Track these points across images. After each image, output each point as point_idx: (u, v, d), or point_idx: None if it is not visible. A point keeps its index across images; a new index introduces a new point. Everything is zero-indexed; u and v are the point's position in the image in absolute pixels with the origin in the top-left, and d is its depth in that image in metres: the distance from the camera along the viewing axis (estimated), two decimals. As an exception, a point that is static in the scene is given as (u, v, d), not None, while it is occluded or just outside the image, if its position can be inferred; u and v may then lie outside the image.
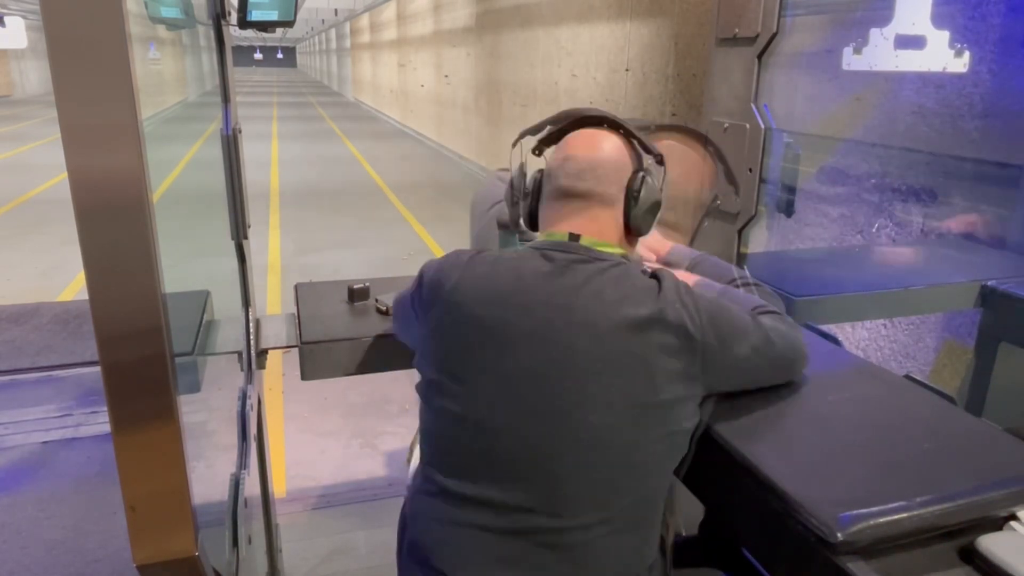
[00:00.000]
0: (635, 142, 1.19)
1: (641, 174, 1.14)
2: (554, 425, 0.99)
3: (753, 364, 1.11)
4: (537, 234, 1.20)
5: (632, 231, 1.16)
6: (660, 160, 1.19)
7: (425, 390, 1.11)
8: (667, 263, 1.43)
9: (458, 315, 1.05)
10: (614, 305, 1.00)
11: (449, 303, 1.06)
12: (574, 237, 1.10)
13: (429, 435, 1.11)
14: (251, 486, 1.41)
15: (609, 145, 1.16)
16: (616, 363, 0.99)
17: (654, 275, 1.06)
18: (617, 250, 1.12)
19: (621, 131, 1.18)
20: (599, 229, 1.13)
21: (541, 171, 1.21)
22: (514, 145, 1.24)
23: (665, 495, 1.12)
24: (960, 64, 1.64)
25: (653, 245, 1.46)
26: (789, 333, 1.17)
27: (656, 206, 1.16)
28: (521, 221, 1.24)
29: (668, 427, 1.03)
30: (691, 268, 1.38)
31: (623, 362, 0.99)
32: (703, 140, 1.23)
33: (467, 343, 1.04)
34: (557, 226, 1.14)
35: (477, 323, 1.03)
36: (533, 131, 1.24)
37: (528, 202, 1.20)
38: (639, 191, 1.13)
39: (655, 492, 1.07)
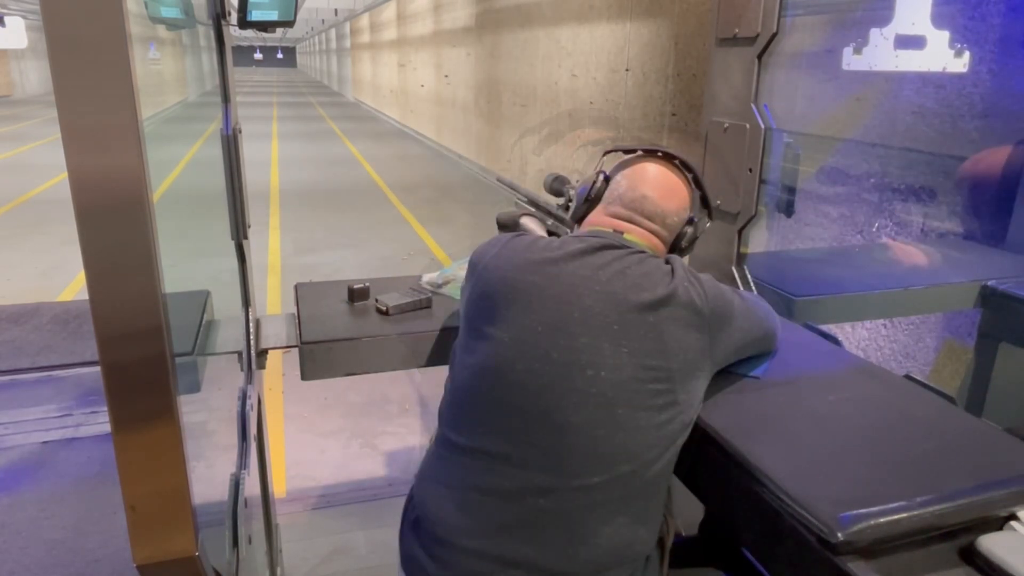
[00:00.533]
0: (699, 194, 1.34)
1: (692, 229, 1.31)
2: (566, 377, 1.06)
3: (747, 335, 1.23)
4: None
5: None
6: (711, 214, 1.37)
7: (455, 356, 1.21)
8: None
9: (491, 278, 1.17)
10: (635, 283, 1.11)
11: (487, 269, 1.18)
12: (617, 232, 1.25)
13: (451, 391, 1.19)
14: (251, 486, 1.41)
15: (680, 198, 1.30)
16: (631, 329, 1.07)
17: (667, 261, 1.18)
18: (649, 249, 1.24)
19: (691, 177, 1.33)
20: (641, 235, 1.26)
21: (605, 178, 1.33)
22: (603, 153, 1.41)
23: (666, 484, 1.14)
24: (960, 64, 1.64)
25: None
26: (763, 303, 1.35)
27: (693, 246, 1.33)
28: (569, 216, 1.40)
29: (675, 397, 1.08)
30: None
31: (638, 330, 1.08)
32: (685, 167, 1.34)
33: (495, 300, 1.14)
34: (606, 224, 1.28)
35: (507, 283, 1.14)
36: (625, 150, 1.36)
37: (588, 207, 1.33)
38: (685, 243, 1.31)
39: (656, 469, 1.09)
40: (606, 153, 1.42)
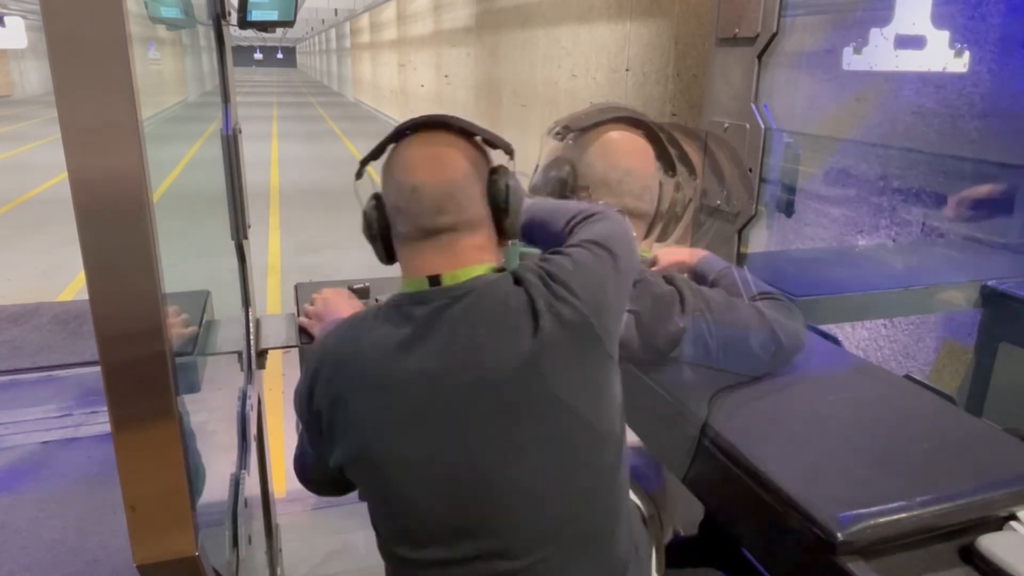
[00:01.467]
0: (477, 139, 1.03)
1: (501, 179, 1.01)
2: (489, 486, 0.94)
3: (620, 295, 1.03)
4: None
5: (507, 236, 1.05)
6: (509, 150, 1.06)
7: (349, 479, 1.07)
8: (696, 274, 1.41)
9: (349, 408, 0.97)
10: (494, 347, 0.92)
11: (336, 398, 0.97)
12: (434, 281, 0.97)
13: (373, 514, 1.07)
14: (251, 486, 1.41)
15: (458, 160, 0.99)
16: (519, 410, 0.93)
17: (516, 280, 0.96)
18: (484, 267, 0.99)
19: (458, 131, 1.02)
20: (467, 257, 0.99)
21: (378, 199, 1.04)
22: (358, 177, 1.11)
23: (625, 499, 1.07)
24: (960, 64, 1.64)
25: (682, 255, 1.43)
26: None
27: (523, 202, 1.05)
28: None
29: (596, 435, 0.97)
30: (715, 282, 1.36)
31: (527, 406, 0.93)
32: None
33: (370, 437, 0.97)
34: (419, 271, 1.00)
35: (370, 415, 0.95)
36: (374, 156, 1.08)
37: (380, 242, 1.05)
38: (506, 200, 1.00)
39: (609, 506, 1.02)
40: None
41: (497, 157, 1.07)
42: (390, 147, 1.04)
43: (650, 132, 1.17)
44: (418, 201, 0.97)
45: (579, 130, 1.18)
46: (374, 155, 1.06)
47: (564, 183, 1.18)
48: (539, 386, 0.92)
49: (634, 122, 1.18)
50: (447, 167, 0.98)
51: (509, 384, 0.91)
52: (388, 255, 1.06)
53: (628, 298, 1.05)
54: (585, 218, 1.08)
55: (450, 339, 0.92)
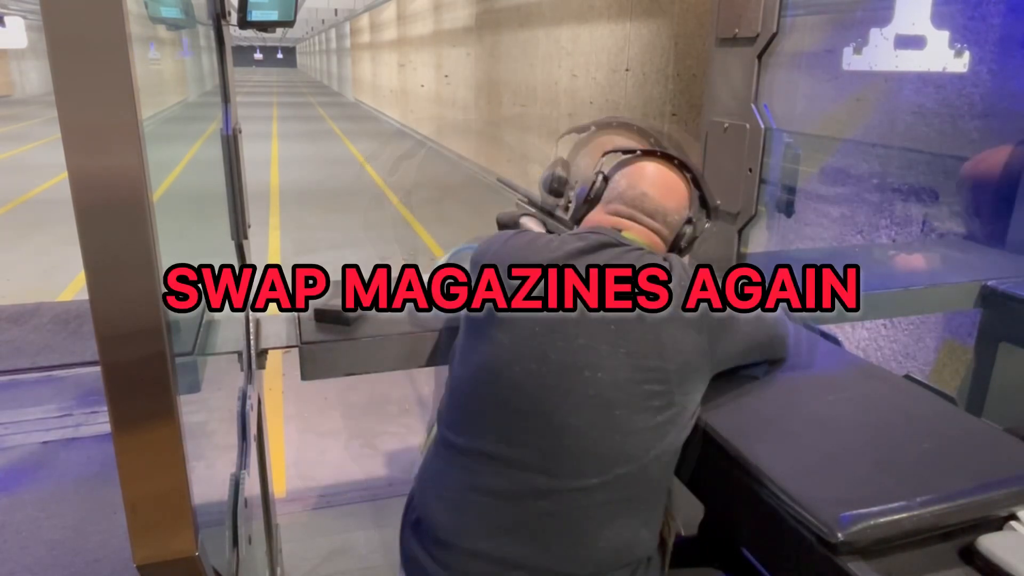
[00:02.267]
0: (700, 193, 1.33)
1: (692, 228, 1.30)
2: (565, 378, 1.05)
3: (752, 340, 1.22)
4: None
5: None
6: (710, 213, 1.36)
7: (456, 351, 1.21)
8: None
9: (492, 276, 1.16)
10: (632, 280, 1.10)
11: (487, 267, 1.18)
12: (616, 229, 1.23)
13: (451, 393, 1.18)
14: (251, 486, 1.41)
15: (680, 196, 1.30)
16: (628, 330, 1.07)
17: (665, 259, 1.17)
18: (648, 248, 1.22)
19: (690, 177, 1.33)
20: (639, 232, 1.26)
21: (604, 178, 1.33)
22: (604, 154, 1.37)
23: (667, 486, 1.13)
24: (960, 64, 1.64)
25: None
26: (778, 314, 1.33)
27: (692, 246, 1.33)
28: (569, 216, 1.40)
29: (672, 398, 1.07)
30: None
31: (634, 330, 1.07)
32: (684, 167, 1.35)
33: (496, 298, 1.13)
34: (606, 223, 1.27)
35: (509, 281, 1.13)
36: (625, 152, 1.35)
37: (587, 207, 1.33)
38: (684, 243, 1.31)
39: (656, 471, 1.08)
40: (605, 153, 1.42)
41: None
42: (639, 152, 1.34)
43: (687, 176, 1.33)
44: (641, 203, 1.27)
45: (624, 152, 1.35)
46: (625, 151, 1.35)
47: (592, 183, 1.33)
48: (651, 323, 1.08)
49: (677, 163, 1.33)
50: (671, 197, 1.29)
51: (630, 317, 1.07)
52: (582, 215, 1.34)
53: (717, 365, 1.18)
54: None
55: (606, 261, 1.13)
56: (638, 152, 1.34)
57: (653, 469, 1.07)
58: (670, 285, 1.10)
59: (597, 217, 1.31)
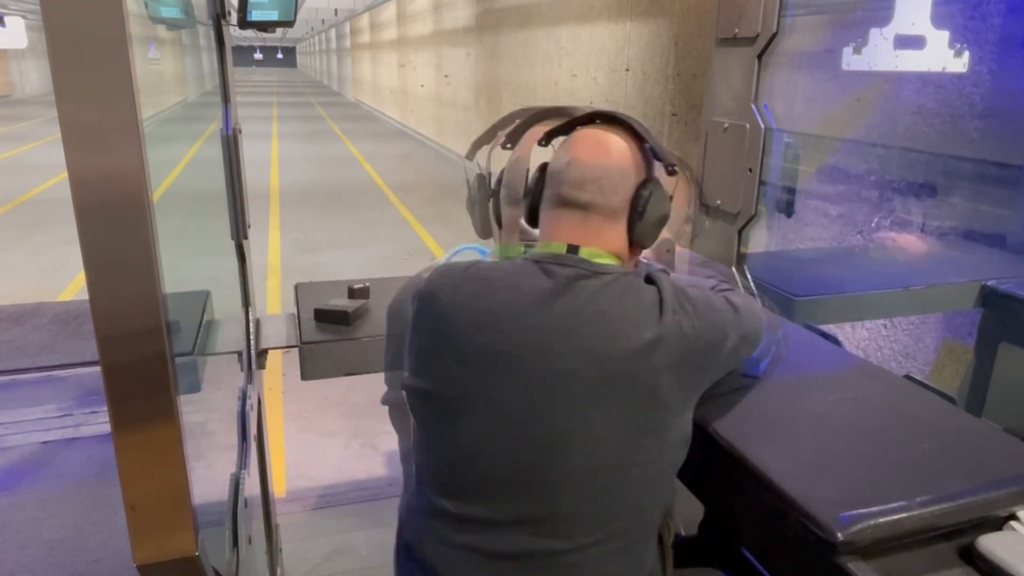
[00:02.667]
0: (647, 147, 1.10)
1: (648, 187, 1.07)
2: (552, 453, 0.96)
3: (736, 351, 1.11)
4: (535, 243, 1.14)
5: (635, 244, 1.10)
6: (672, 169, 1.12)
7: (418, 405, 1.06)
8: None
9: (453, 336, 1.00)
10: (618, 328, 0.97)
11: (445, 321, 1.01)
12: (572, 249, 1.04)
13: (423, 453, 1.06)
14: (251, 486, 1.41)
15: (616, 152, 1.07)
16: (618, 388, 0.96)
17: (651, 280, 1.03)
18: (615, 263, 1.06)
19: (632, 133, 1.10)
20: (600, 241, 1.06)
21: (544, 167, 1.13)
22: (542, 144, 1.20)
23: (665, 511, 1.09)
24: (960, 64, 1.64)
25: None
26: (751, 304, 1.19)
27: (663, 220, 1.10)
28: (522, 220, 1.20)
29: (669, 442, 1.01)
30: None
31: (626, 387, 0.96)
32: (616, 122, 1.13)
33: (463, 367, 0.99)
34: (555, 236, 1.07)
35: (473, 347, 0.98)
36: (563, 132, 1.16)
37: (528, 200, 1.15)
38: (645, 205, 1.06)
39: (654, 510, 1.04)
40: (538, 142, 1.23)
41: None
42: (578, 128, 1.13)
43: (628, 129, 1.11)
44: (567, 173, 1.06)
45: (550, 133, 1.19)
46: (563, 131, 1.16)
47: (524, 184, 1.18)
48: (646, 375, 0.96)
49: (609, 119, 1.12)
50: (604, 155, 1.06)
51: (622, 363, 0.95)
52: (532, 216, 1.15)
53: (730, 366, 1.10)
54: (724, 290, 1.19)
55: (582, 306, 0.98)
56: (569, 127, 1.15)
57: (652, 511, 1.03)
58: (662, 325, 0.97)
59: (547, 222, 1.11)
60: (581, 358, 0.95)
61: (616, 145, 1.08)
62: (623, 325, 0.96)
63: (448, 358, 1.00)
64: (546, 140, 1.20)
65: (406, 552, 1.09)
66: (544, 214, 1.11)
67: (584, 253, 1.04)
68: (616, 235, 1.07)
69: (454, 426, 1.00)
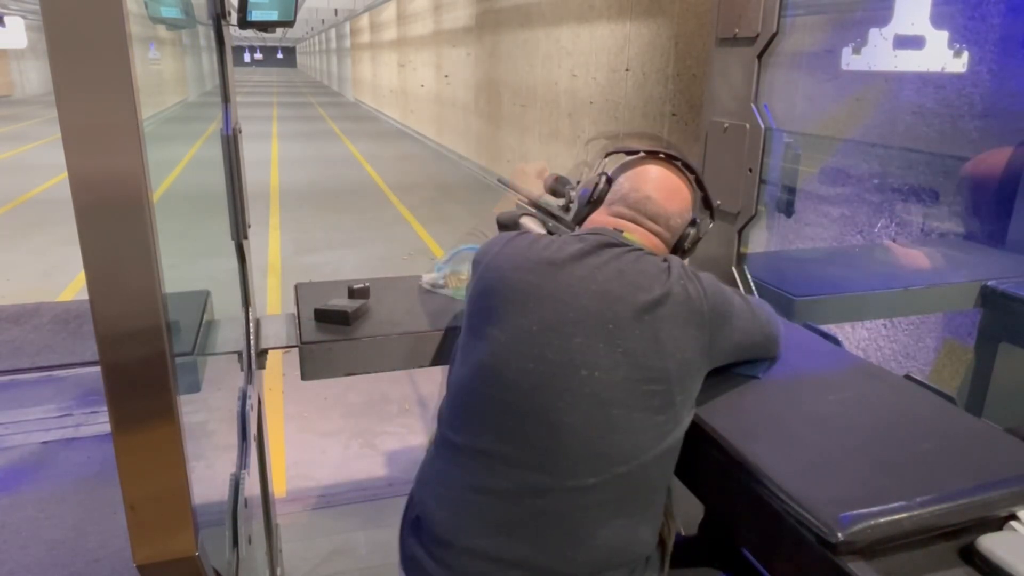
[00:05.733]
0: (701, 195, 1.34)
1: (695, 227, 1.30)
2: (561, 377, 1.05)
3: (748, 337, 1.22)
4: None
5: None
6: (712, 215, 1.37)
7: (457, 351, 1.21)
8: None
9: (492, 277, 1.17)
10: (631, 282, 1.10)
11: (487, 268, 1.19)
12: (618, 230, 1.24)
13: (450, 392, 1.18)
14: (251, 486, 1.41)
15: (682, 199, 1.30)
16: (627, 330, 1.07)
17: (664, 259, 1.17)
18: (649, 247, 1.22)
19: (693, 179, 1.33)
20: (640, 234, 1.26)
21: (608, 180, 1.33)
22: (605, 155, 1.39)
23: (666, 485, 1.13)
24: (959, 64, 1.64)
25: None
26: (766, 307, 1.33)
27: (691, 251, 1.33)
28: (571, 217, 1.40)
29: (672, 398, 1.07)
30: None
31: (634, 330, 1.07)
32: (687, 168, 1.35)
33: (495, 300, 1.14)
34: (608, 224, 1.27)
35: (506, 283, 1.14)
36: (628, 152, 1.36)
37: (590, 208, 1.33)
38: (687, 244, 1.30)
39: (655, 471, 1.08)
40: (608, 154, 1.42)
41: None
42: (641, 154, 1.34)
43: (691, 177, 1.33)
44: (644, 206, 1.28)
45: (628, 153, 1.37)
46: (628, 152, 1.36)
47: (595, 185, 1.34)
48: (650, 324, 1.07)
49: (680, 164, 1.34)
50: (674, 199, 1.29)
51: (631, 310, 1.07)
52: (584, 217, 1.34)
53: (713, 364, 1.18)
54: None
55: (605, 263, 1.13)
56: (641, 153, 1.34)
57: (652, 469, 1.07)
58: (669, 284, 1.10)
59: (599, 218, 1.31)
60: (596, 300, 1.09)
61: (683, 193, 1.31)
62: (637, 279, 1.11)
63: (491, 290, 1.16)
64: (611, 152, 1.39)
65: (413, 524, 1.15)
66: (602, 215, 1.31)
67: (626, 236, 1.22)
68: (657, 241, 1.29)
69: (482, 341, 1.12)
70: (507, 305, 1.13)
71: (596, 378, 1.05)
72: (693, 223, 1.31)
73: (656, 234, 1.28)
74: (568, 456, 1.04)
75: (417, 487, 1.19)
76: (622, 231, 1.24)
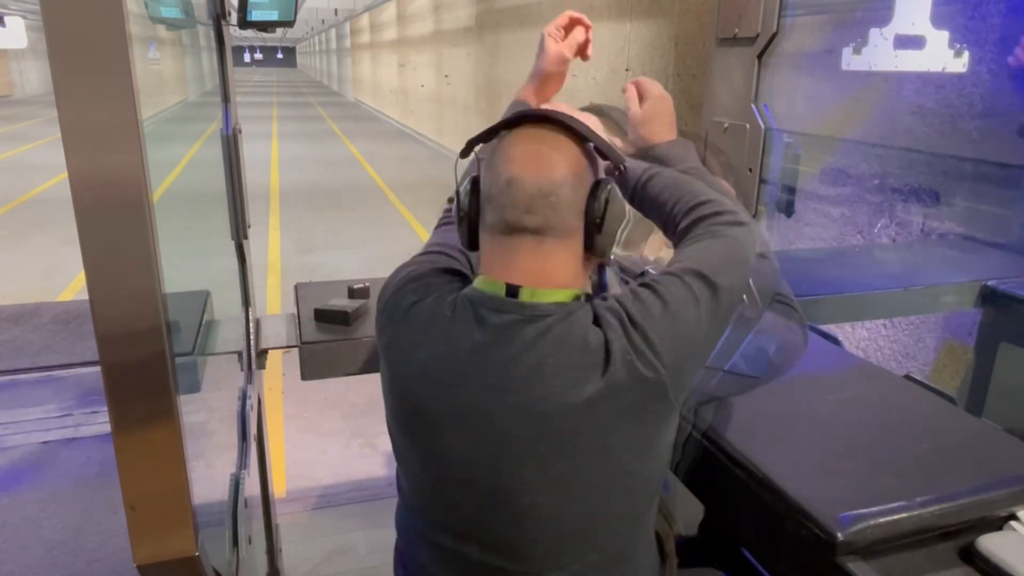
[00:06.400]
0: (590, 146, 0.94)
1: (604, 193, 0.92)
2: (502, 505, 0.91)
3: (710, 338, 0.94)
4: (476, 278, 0.97)
5: (597, 255, 0.96)
6: (620, 166, 0.97)
7: (388, 420, 1.02)
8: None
9: (393, 377, 0.96)
10: (553, 384, 0.86)
11: (390, 362, 0.97)
12: (511, 291, 0.90)
13: (408, 481, 1.02)
14: (251, 486, 1.41)
15: (562, 162, 0.91)
16: (560, 447, 0.88)
17: (595, 318, 0.89)
18: (567, 293, 0.91)
19: (571, 133, 0.93)
20: (549, 269, 0.91)
21: (475, 182, 0.96)
22: (463, 155, 1.02)
23: (650, 525, 1.04)
24: (960, 64, 1.64)
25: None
26: (746, 238, 1.00)
27: (621, 220, 0.94)
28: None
29: (637, 481, 0.94)
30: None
31: (568, 445, 0.88)
32: (555, 122, 0.95)
33: (403, 412, 0.96)
34: (497, 271, 0.93)
35: (413, 399, 0.94)
36: (484, 139, 0.98)
37: (465, 225, 0.98)
38: (603, 216, 0.91)
39: (633, 535, 1.00)
40: (462, 153, 1.03)
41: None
42: (501, 133, 0.96)
43: (561, 128, 0.93)
44: (511, 195, 0.90)
45: (483, 139, 0.99)
46: (484, 137, 0.98)
47: (456, 202, 1.01)
48: (592, 430, 0.87)
49: (541, 121, 0.95)
50: (549, 167, 0.90)
51: (563, 420, 0.87)
52: (471, 241, 0.99)
53: (724, 326, 0.96)
54: (706, 217, 0.98)
55: (517, 358, 0.88)
56: (501, 133, 0.96)
57: (631, 536, 0.98)
58: (609, 372, 0.86)
59: (490, 252, 0.95)
60: (516, 418, 0.87)
61: (559, 153, 0.91)
62: (560, 380, 0.86)
63: (396, 398, 0.97)
64: (467, 149, 1.01)
65: (400, 553, 1.10)
66: (488, 241, 0.95)
67: (525, 294, 0.90)
68: (570, 256, 0.93)
69: (410, 461, 0.98)
70: (414, 422, 0.95)
71: (540, 503, 0.90)
72: (596, 187, 0.92)
73: (555, 231, 0.90)
74: (539, 560, 0.93)
75: (406, 550, 1.10)
76: (516, 288, 0.90)
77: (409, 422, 0.95)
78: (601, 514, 0.92)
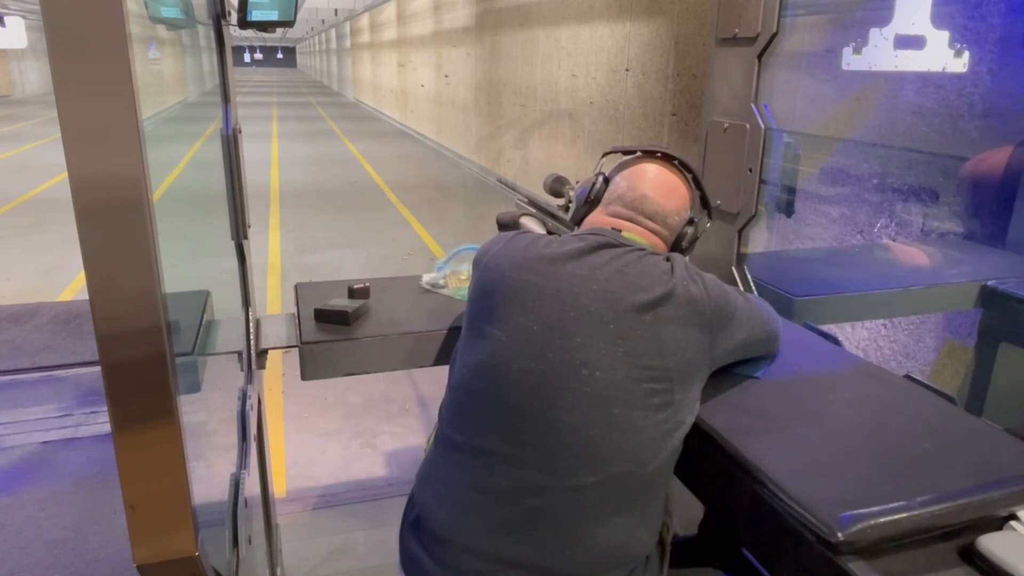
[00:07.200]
0: (699, 194, 1.35)
1: (693, 225, 1.31)
2: (561, 376, 1.06)
3: (750, 336, 1.23)
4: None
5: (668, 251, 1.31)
6: (710, 214, 1.38)
7: (457, 351, 1.22)
8: None
9: (491, 276, 1.17)
10: (632, 282, 1.10)
11: (487, 268, 1.19)
12: (616, 230, 1.24)
13: (450, 391, 1.19)
14: (251, 486, 1.41)
15: (680, 198, 1.30)
16: (627, 329, 1.07)
17: (667, 259, 1.17)
18: (646, 244, 1.23)
19: (691, 177, 1.33)
20: (639, 232, 1.27)
21: (604, 179, 1.34)
22: (603, 155, 1.42)
23: (665, 485, 1.13)
24: (960, 64, 1.64)
25: None
26: (765, 305, 1.34)
27: (690, 250, 1.33)
28: (569, 217, 1.41)
29: (673, 397, 1.07)
30: None
31: (634, 329, 1.07)
32: (684, 167, 1.35)
33: (495, 299, 1.14)
34: (606, 224, 1.28)
35: (506, 283, 1.14)
36: (625, 152, 1.36)
37: (588, 208, 1.34)
38: (685, 243, 1.31)
39: (655, 471, 1.08)
40: (605, 155, 1.42)
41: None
42: (638, 154, 1.35)
43: (688, 176, 1.34)
44: (639, 203, 1.28)
45: (625, 153, 1.37)
46: (625, 151, 1.37)
47: (592, 184, 1.34)
48: (653, 321, 1.08)
49: (677, 163, 1.34)
50: (670, 198, 1.29)
51: (633, 308, 1.08)
52: (579, 219, 1.35)
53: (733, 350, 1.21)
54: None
55: (607, 263, 1.13)
56: (638, 153, 1.34)
57: (650, 468, 1.07)
58: (671, 284, 1.10)
59: (597, 218, 1.31)
60: (597, 299, 1.09)
61: (680, 191, 1.31)
62: (638, 279, 1.10)
63: (491, 290, 1.16)
64: (607, 153, 1.42)
65: (414, 524, 1.15)
66: (600, 217, 1.31)
67: (625, 236, 1.22)
68: (658, 243, 1.29)
69: (483, 341, 1.13)
70: (507, 304, 1.12)
71: (597, 377, 1.05)
72: (691, 222, 1.31)
73: (654, 232, 1.28)
74: (567, 455, 1.04)
75: (417, 486, 1.19)
76: (620, 231, 1.24)
77: (501, 305, 1.13)
78: (636, 417, 1.06)
